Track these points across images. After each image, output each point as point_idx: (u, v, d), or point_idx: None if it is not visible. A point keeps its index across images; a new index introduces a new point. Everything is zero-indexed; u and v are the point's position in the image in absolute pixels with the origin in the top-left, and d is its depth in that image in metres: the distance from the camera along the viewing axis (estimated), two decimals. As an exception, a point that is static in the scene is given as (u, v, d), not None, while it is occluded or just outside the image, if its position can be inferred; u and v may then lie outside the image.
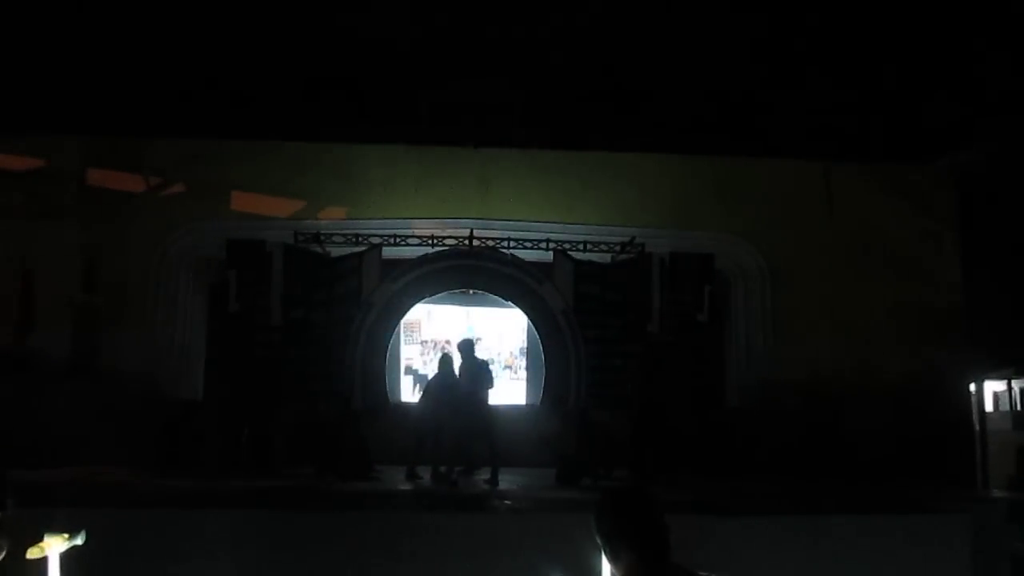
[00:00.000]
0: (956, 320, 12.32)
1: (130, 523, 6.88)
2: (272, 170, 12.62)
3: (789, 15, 9.57)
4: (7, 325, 11.81)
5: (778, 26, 9.87)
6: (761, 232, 12.56)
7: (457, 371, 10.09)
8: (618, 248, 12.51)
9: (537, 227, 12.48)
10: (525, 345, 13.80)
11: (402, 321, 12.79)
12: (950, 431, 11.58)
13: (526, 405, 13.13)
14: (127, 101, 11.15)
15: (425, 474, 9.64)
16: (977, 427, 12.72)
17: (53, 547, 3.30)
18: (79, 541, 3.41)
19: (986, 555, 7.55)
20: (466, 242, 12.26)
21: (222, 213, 12.48)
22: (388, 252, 12.22)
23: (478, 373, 10.03)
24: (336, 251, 12.27)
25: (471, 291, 12.99)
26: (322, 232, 12.24)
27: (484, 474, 9.64)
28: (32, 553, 3.29)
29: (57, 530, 3.34)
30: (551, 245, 12.26)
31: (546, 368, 12.29)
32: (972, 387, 12.88)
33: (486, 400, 9.97)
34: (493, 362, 13.67)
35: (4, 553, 3.02)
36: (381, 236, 12.18)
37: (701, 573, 2.40)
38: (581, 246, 12.31)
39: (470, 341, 10.64)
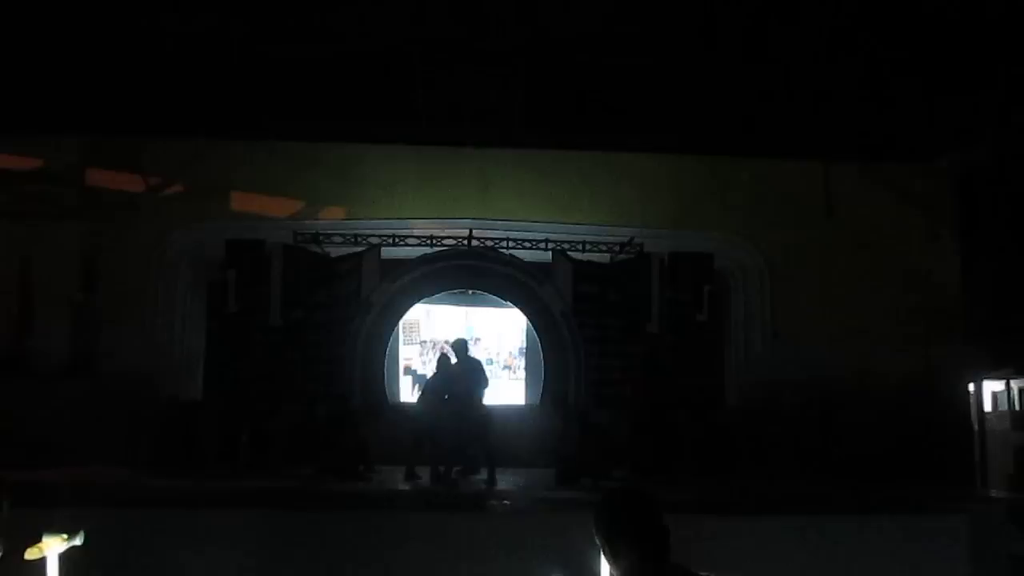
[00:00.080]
0: (956, 320, 12.32)
1: (130, 523, 6.88)
2: (272, 170, 12.62)
3: (789, 15, 9.56)
4: (7, 325, 11.81)
5: (778, 26, 9.86)
6: (761, 232, 12.57)
7: (451, 371, 10.09)
8: (617, 248, 12.51)
9: (536, 227, 12.48)
10: (524, 345, 13.81)
11: (401, 321, 12.79)
12: (949, 431, 11.58)
13: (525, 405, 13.13)
14: (127, 101, 11.14)
15: (424, 474, 9.64)
16: (976, 427, 12.72)
17: (52, 547, 3.30)
18: (79, 541, 3.41)
19: (985, 555, 7.54)
20: (465, 242, 12.26)
21: (222, 213, 12.49)
22: (387, 252, 12.22)
23: (472, 373, 10.03)
24: (335, 251, 12.27)
25: (470, 291, 13.00)
26: (321, 232, 12.24)
27: (483, 474, 9.65)
28: (31, 553, 3.28)
29: (57, 530, 3.34)
30: (550, 245, 12.26)
31: (545, 368, 12.29)
32: (971, 387, 12.88)
33: (481, 399, 9.97)
34: (492, 362, 13.70)
35: (1, 554, 3.02)
36: (380, 236, 12.18)
37: (701, 573, 2.39)
38: (580, 246, 12.31)
39: (463, 341, 10.64)
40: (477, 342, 13.93)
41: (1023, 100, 10.81)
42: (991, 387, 14.33)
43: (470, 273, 12.34)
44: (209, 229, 12.35)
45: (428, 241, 12.24)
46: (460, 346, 10.35)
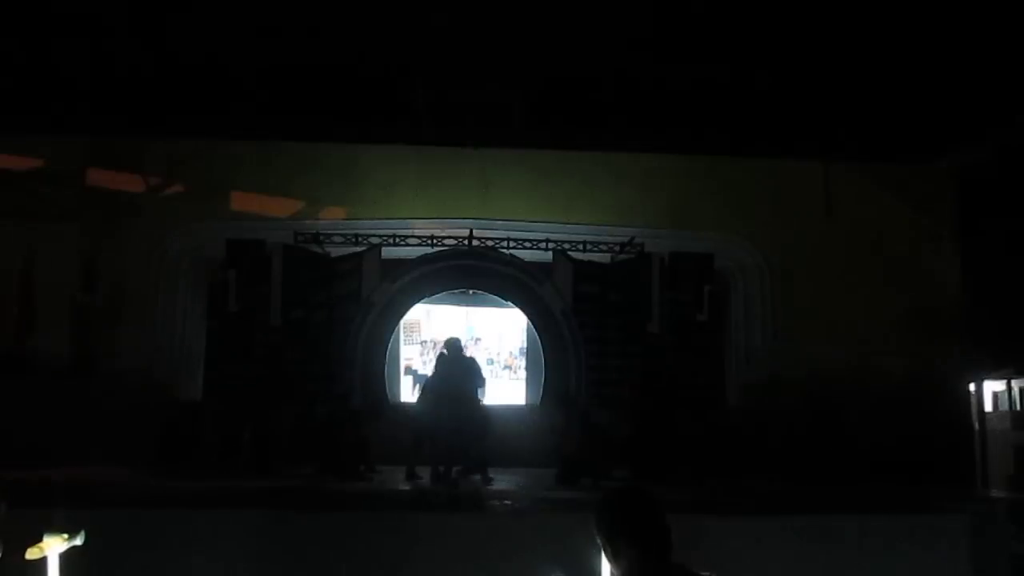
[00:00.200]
0: (956, 320, 12.32)
1: (130, 523, 6.88)
2: (272, 170, 12.63)
3: (789, 15, 9.55)
4: (7, 325, 11.81)
5: (778, 26, 9.85)
6: (761, 232, 12.57)
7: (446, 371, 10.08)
8: (618, 248, 12.51)
9: (537, 227, 12.48)
10: (525, 345, 13.81)
11: (402, 321, 12.80)
12: (950, 431, 11.58)
13: (525, 405, 13.13)
14: (127, 101, 11.14)
15: (425, 474, 9.64)
16: (977, 427, 12.73)
17: (53, 547, 3.30)
18: (79, 541, 3.41)
19: (986, 555, 7.55)
20: (466, 242, 12.26)
21: (222, 213, 12.51)
22: (388, 252, 12.22)
23: (466, 372, 10.02)
24: (336, 251, 12.27)
25: (471, 291, 13.00)
26: (322, 232, 12.25)
27: (489, 473, 9.66)
28: (32, 553, 3.28)
29: (57, 530, 3.34)
30: (551, 245, 12.26)
31: (546, 368, 12.29)
32: (972, 387, 12.89)
33: (475, 398, 9.97)
34: (493, 362, 13.71)
35: (0, 554, 3.02)
36: (381, 236, 12.18)
37: (702, 573, 2.40)
38: (581, 246, 12.31)
39: (456, 340, 10.57)
40: (477, 342, 13.94)
41: (1023, 100, 10.81)
42: (992, 387, 14.35)
43: (470, 273, 12.34)
44: (209, 229, 12.35)
45: (428, 241, 12.24)
46: (453, 345, 10.32)
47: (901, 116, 11.41)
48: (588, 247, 12.33)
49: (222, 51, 10.35)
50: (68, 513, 3.92)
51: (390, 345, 12.48)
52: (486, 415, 10.23)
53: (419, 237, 12.28)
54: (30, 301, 11.91)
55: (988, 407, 14.01)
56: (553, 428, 10.45)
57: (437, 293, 12.58)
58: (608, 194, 12.64)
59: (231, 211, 12.56)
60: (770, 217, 12.55)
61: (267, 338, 11.51)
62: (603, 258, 12.61)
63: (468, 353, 11.51)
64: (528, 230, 12.46)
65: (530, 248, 12.33)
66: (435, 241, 12.24)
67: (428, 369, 12.87)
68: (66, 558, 3.35)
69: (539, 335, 12.39)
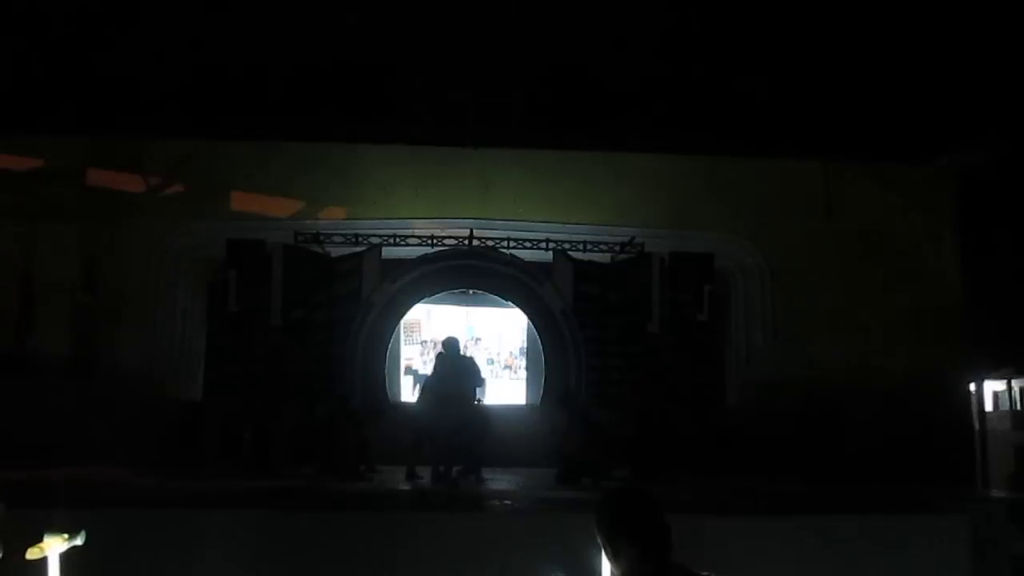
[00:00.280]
0: (956, 320, 12.32)
1: (130, 523, 6.87)
2: (272, 170, 12.63)
3: (789, 15, 9.56)
4: (7, 325, 11.81)
5: (778, 26, 9.86)
6: (761, 232, 12.57)
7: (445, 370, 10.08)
8: (618, 248, 12.51)
9: (537, 227, 12.49)
10: (525, 345, 13.81)
11: (402, 321, 12.79)
12: (950, 431, 11.58)
13: (525, 405, 13.13)
14: (127, 101, 11.15)
15: (425, 474, 9.64)
16: (977, 427, 12.72)
17: (53, 547, 3.30)
18: (79, 541, 3.41)
19: (986, 555, 7.54)
20: (466, 242, 12.26)
21: (222, 213, 12.51)
22: (388, 252, 12.22)
23: (464, 372, 10.01)
24: (336, 251, 12.27)
25: (471, 291, 13.00)
26: (322, 232, 12.25)
27: (482, 473, 9.66)
28: (32, 553, 3.28)
29: (57, 530, 3.34)
30: (551, 245, 12.26)
31: (546, 368, 12.29)
32: (972, 387, 12.88)
33: (472, 398, 9.96)
34: (493, 362, 13.71)
35: (1, 554, 3.02)
36: (381, 236, 12.19)
37: (702, 573, 2.40)
38: (581, 246, 12.31)
39: (454, 339, 10.53)
40: (478, 342, 13.95)
41: (1023, 100, 10.81)
42: (992, 387, 14.35)
43: (470, 273, 12.34)
44: (209, 229, 12.35)
45: (428, 241, 12.24)
46: (451, 345, 10.30)
47: (901, 116, 11.42)
48: (588, 247, 12.33)
49: (222, 51, 10.36)
50: (68, 513, 3.92)
51: (390, 345, 12.48)
52: (484, 415, 10.22)
53: (419, 237, 12.28)
54: (30, 301, 11.91)
55: (988, 407, 14.01)
56: (553, 428, 10.45)
57: (437, 293, 12.58)
58: (608, 194, 12.64)
59: (231, 211, 12.56)
60: (770, 217, 12.55)
61: (267, 338, 11.52)
62: (603, 258, 12.61)
63: (467, 353, 11.48)
64: (528, 230, 12.46)
65: (530, 248, 12.33)
66: (435, 241, 12.24)
67: (428, 369, 12.86)
68: (66, 558, 3.35)
69: (539, 335, 12.39)
